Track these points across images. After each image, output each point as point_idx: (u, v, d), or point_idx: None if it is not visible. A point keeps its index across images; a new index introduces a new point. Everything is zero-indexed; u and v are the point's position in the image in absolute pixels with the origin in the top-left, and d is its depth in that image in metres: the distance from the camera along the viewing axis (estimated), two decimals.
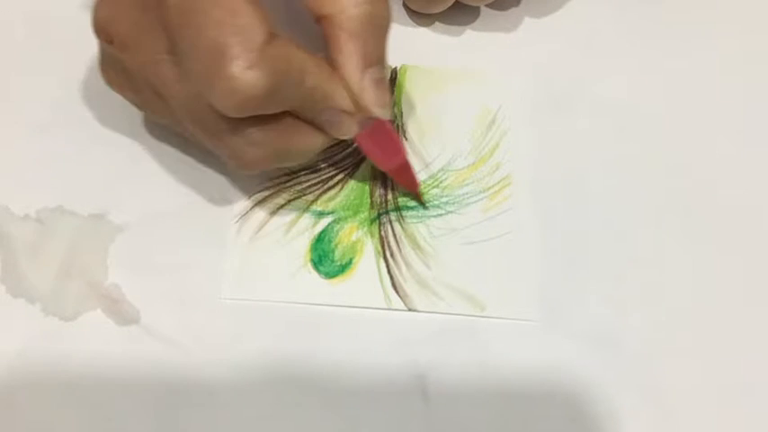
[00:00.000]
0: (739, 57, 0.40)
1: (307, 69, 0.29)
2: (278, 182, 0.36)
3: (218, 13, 0.27)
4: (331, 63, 0.30)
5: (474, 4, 0.40)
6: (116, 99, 0.36)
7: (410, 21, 0.41)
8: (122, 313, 0.33)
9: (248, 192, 0.35)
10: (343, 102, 0.30)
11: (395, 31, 0.31)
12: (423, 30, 0.40)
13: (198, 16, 0.27)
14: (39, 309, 0.33)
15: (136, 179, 0.36)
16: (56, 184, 0.35)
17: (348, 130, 0.31)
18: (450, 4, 0.39)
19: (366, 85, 0.30)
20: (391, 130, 0.34)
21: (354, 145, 0.36)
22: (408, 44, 0.39)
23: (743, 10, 0.41)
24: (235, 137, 0.30)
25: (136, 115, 0.36)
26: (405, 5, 0.41)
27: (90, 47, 0.35)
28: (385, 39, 0.31)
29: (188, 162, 0.36)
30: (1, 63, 0.38)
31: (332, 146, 0.36)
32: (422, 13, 0.40)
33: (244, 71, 0.27)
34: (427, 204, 0.36)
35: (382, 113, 0.31)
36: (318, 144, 0.31)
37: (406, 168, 0.35)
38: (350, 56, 0.30)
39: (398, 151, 0.34)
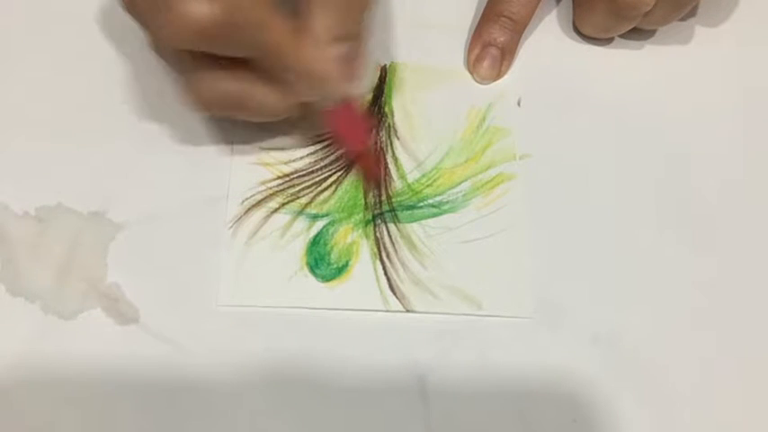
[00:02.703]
0: (740, 57, 0.41)
1: (267, 23, 0.28)
2: (271, 185, 0.36)
3: None
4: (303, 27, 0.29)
5: (648, 28, 0.40)
6: (115, 97, 0.37)
7: None
8: (122, 312, 0.33)
9: (241, 196, 0.35)
10: (301, 66, 0.29)
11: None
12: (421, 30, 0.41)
13: None
14: (38, 307, 0.32)
15: (136, 177, 0.35)
16: (55, 182, 0.35)
17: (301, 95, 0.30)
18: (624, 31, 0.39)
19: (329, 57, 0.29)
20: (357, 114, 0.34)
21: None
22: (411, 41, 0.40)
23: (743, 10, 0.42)
24: (193, 73, 0.29)
25: (135, 113, 0.37)
26: (575, 29, 0.41)
27: (90, 47, 0.35)
28: (360, 15, 0.30)
29: (188, 160, 0.36)
30: (1, 62, 0.38)
31: (324, 147, 0.36)
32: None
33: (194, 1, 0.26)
34: (421, 203, 0.36)
35: (342, 89, 0.30)
36: (276, 105, 0.31)
37: (367, 155, 0.35)
38: (317, 24, 0.29)
39: (362, 138, 0.35)
